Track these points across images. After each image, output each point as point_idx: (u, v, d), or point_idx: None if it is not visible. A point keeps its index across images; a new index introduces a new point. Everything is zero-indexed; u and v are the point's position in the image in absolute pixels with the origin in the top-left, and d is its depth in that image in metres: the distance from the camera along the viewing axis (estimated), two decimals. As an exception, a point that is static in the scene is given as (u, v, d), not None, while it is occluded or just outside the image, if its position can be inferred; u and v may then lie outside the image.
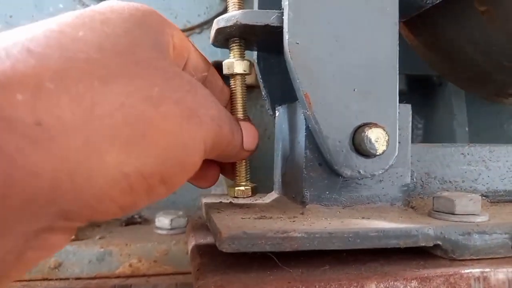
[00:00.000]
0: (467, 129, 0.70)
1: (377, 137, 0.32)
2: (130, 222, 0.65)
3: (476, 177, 0.43)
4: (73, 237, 0.58)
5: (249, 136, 0.35)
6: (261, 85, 0.45)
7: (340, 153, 0.33)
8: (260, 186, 0.41)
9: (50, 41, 0.22)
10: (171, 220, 0.61)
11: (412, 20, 0.47)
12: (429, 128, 0.78)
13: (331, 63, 0.33)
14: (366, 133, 0.32)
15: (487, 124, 0.80)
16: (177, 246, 0.57)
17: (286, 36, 0.32)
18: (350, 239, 0.29)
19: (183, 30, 0.62)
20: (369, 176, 0.34)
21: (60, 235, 0.23)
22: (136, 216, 0.69)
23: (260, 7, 0.42)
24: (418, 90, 0.75)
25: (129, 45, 0.25)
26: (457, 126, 0.70)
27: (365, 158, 0.33)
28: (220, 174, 0.39)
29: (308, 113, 0.33)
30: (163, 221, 0.61)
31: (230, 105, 0.38)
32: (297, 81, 0.33)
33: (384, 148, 0.32)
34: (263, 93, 0.45)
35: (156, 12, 0.30)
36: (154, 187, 0.25)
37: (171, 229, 0.61)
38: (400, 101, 0.79)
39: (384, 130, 0.33)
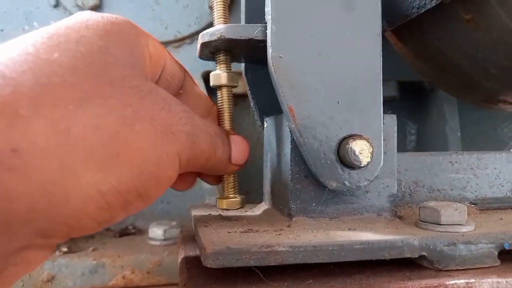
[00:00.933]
0: (459, 134, 0.71)
1: (361, 149, 0.32)
2: (123, 233, 0.65)
3: (464, 185, 0.43)
4: (65, 249, 0.57)
5: (238, 150, 0.35)
6: (249, 96, 0.45)
7: (325, 165, 0.33)
8: (254, 195, 0.41)
9: (25, 66, 0.22)
10: (164, 231, 0.61)
11: (400, 28, 0.48)
12: (422, 133, 0.78)
13: (315, 75, 0.33)
14: (350, 145, 0.32)
15: (480, 128, 0.81)
16: (170, 257, 0.57)
17: (269, 50, 0.33)
18: (334, 252, 0.29)
19: (174, 41, 0.62)
20: (355, 188, 0.34)
21: (39, 251, 0.23)
22: (130, 227, 0.69)
23: (247, 21, 0.42)
24: (410, 96, 0.75)
25: (104, 64, 0.25)
26: (449, 131, 0.71)
27: (350, 169, 0.33)
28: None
29: (292, 125, 0.33)
30: (156, 231, 0.61)
31: (217, 117, 0.38)
32: (281, 94, 0.33)
33: (369, 159, 0.33)
34: (251, 104, 0.46)
35: (131, 25, 0.30)
36: (131, 202, 0.25)
37: (164, 239, 0.61)
38: (393, 108, 0.79)
39: (368, 141, 0.33)
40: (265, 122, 0.44)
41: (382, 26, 0.48)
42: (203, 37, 0.36)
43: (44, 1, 0.58)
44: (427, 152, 0.42)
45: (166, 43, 0.62)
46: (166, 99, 0.28)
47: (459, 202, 0.43)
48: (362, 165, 0.33)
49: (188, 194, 0.70)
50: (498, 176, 0.44)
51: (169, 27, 0.61)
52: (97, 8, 0.58)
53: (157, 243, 0.61)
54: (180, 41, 0.62)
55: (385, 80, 0.71)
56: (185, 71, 0.36)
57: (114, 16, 0.30)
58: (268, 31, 0.33)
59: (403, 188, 0.41)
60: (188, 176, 0.36)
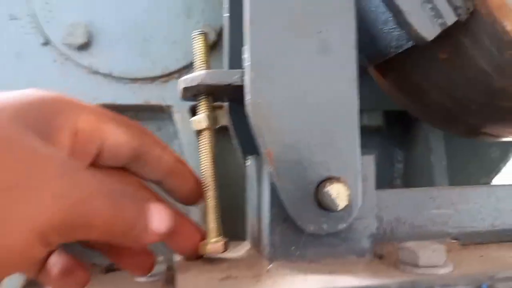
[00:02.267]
0: (444, 163, 0.71)
1: (338, 193, 0.33)
2: (110, 269, 0.65)
3: (446, 221, 0.43)
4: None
5: (157, 217, 0.31)
6: (233, 134, 0.46)
7: (303, 208, 0.34)
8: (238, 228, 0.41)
9: None
10: (152, 266, 0.61)
11: (381, 64, 0.49)
12: (409, 161, 0.79)
13: (292, 120, 0.34)
14: (327, 189, 0.33)
15: (467, 155, 0.81)
16: (156, 293, 0.57)
17: (247, 96, 0.33)
18: (311, 298, 0.30)
19: (162, 76, 0.63)
20: (333, 231, 0.34)
21: None
22: (117, 262, 0.68)
23: (230, 66, 0.43)
24: (396, 124, 0.76)
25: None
26: (435, 160, 0.71)
27: (328, 213, 0.34)
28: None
29: (270, 169, 0.34)
30: (143, 266, 0.61)
31: (186, 171, 0.38)
32: (259, 138, 0.33)
33: (346, 202, 0.33)
34: (234, 143, 0.46)
35: (53, 104, 0.30)
36: None
37: (150, 276, 0.60)
38: (379, 136, 0.79)
39: (345, 184, 0.33)
40: (247, 161, 0.44)
41: (363, 63, 0.49)
42: (184, 83, 0.36)
43: (34, 40, 0.59)
44: (408, 189, 0.43)
45: (153, 79, 0.63)
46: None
47: (441, 238, 0.43)
48: (339, 209, 0.33)
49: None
50: (480, 211, 0.44)
51: (157, 63, 0.62)
52: (86, 46, 0.59)
53: (143, 279, 0.60)
54: (167, 76, 0.63)
55: (370, 110, 0.73)
56: (141, 135, 0.34)
57: (37, 95, 0.30)
58: (246, 77, 0.34)
59: (384, 225, 0.42)
60: (144, 260, 0.35)
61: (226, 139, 0.52)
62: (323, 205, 0.33)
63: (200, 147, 0.38)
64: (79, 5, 0.60)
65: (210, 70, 0.36)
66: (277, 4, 0.34)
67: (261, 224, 0.37)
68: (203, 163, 0.38)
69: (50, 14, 0.59)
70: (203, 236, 0.37)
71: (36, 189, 0.25)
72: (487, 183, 0.87)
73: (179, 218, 0.36)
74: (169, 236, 0.33)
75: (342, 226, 0.34)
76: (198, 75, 0.35)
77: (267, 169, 0.35)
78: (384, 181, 0.82)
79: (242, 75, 0.35)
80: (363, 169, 0.36)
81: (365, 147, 0.83)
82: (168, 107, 0.64)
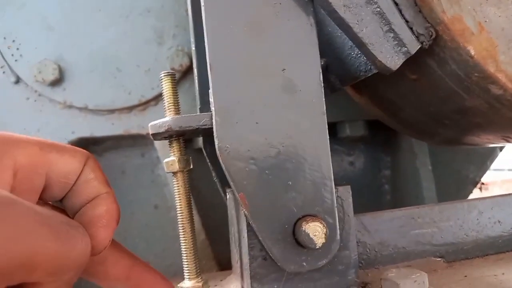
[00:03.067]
0: (430, 167, 0.72)
1: (314, 231, 0.33)
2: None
3: (429, 239, 0.43)
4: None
5: (99, 235, 0.31)
6: (211, 168, 0.45)
7: (282, 248, 0.33)
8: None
9: None
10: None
11: (354, 84, 0.49)
12: (396, 166, 0.79)
13: (263, 161, 0.33)
14: (303, 228, 0.33)
15: (454, 153, 0.81)
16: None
17: (216, 141, 0.33)
18: None
19: (139, 105, 0.62)
20: (313, 268, 0.34)
21: None
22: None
23: (201, 100, 0.43)
24: (380, 132, 0.76)
25: None
26: (420, 165, 0.71)
27: (307, 251, 0.34)
28: None
29: (245, 212, 0.33)
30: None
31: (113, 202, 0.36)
32: (231, 183, 0.33)
33: (323, 240, 0.33)
34: (213, 175, 0.46)
35: None
36: None
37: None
38: (364, 144, 0.79)
39: (321, 222, 0.33)
40: (227, 193, 0.44)
41: (336, 84, 0.49)
42: (153, 128, 0.36)
43: (5, 79, 0.59)
44: (388, 210, 0.43)
45: (131, 108, 0.62)
46: None
47: (425, 257, 0.43)
48: (318, 247, 0.33)
49: (168, 252, 0.69)
50: (462, 227, 0.44)
51: (133, 92, 0.61)
52: (58, 82, 0.59)
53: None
54: (144, 104, 0.63)
55: (352, 121, 0.72)
56: (85, 159, 0.33)
57: None
58: (214, 122, 0.33)
59: (368, 250, 0.41)
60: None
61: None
62: (302, 243, 0.33)
63: (175, 189, 0.38)
64: (47, 41, 0.59)
65: (177, 116, 0.35)
66: (239, 44, 0.33)
67: (243, 263, 0.37)
68: (179, 205, 0.38)
69: (18, 52, 0.59)
70: (168, 284, 0.36)
71: None
72: (475, 180, 0.88)
73: (142, 269, 0.35)
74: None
75: (322, 262, 0.34)
76: (165, 121, 0.35)
77: (243, 212, 0.34)
78: (372, 187, 0.82)
79: (211, 118, 0.34)
80: (339, 200, 0.36)
81: (351, 155, 0.83)
82: (148, 135, 0.63)
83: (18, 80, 0.59)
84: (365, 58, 0.40)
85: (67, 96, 0.60)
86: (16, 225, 0.24)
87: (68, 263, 0.27)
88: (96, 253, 0.31)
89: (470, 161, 0.85)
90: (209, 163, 0.45)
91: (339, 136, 0.72)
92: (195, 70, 0.47)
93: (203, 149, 0.45)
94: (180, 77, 0.63)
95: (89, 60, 0.60)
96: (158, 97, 0.63)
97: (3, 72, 0.59)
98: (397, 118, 0.52)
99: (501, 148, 0.88)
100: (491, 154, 0.87)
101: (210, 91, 0.34)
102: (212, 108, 0.33)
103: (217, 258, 0.69)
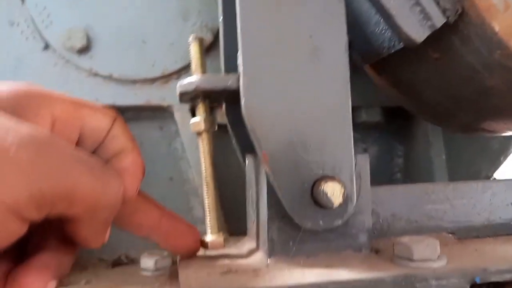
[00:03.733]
0: (444, 157, 0.72)
1: (333, 191, 0.34)
2: (116, 263, 0.66)
3: (441, 216, 0.44)
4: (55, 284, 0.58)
5: (130, 179, 0.33)
6: (231, 134, 0.47)
7: (300, 206, 0.35)
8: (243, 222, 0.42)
9: None
10: (156, 261, 0.62)
11: (375, 63, 0.50)
12: (409, 155, 0.79)
13: (286, 122, 0.35)
14: (322, 188, 0.34)
15: (467, 148, 0.82)
16: (161, 289, 0.58)
17: (242, 101, 0.34)
18: (308, 293, 0.31)
19: (161, 77, 0.64)
20: (329, 227, 0.35)
21: None
22: (122, 257, 0.69)
23: (226, 68, 0.44)
24: (395, 120, 0.77)
25: None
26: (434, 154, 0.72)
27: (324, 210, 0.35)
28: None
29: (267, 169, 0.35)
30: (147, 262, 0.62)
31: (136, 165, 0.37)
32: (255, 141, 0.34)
33: (340, 200, 0.34)
34: (233, 142, 0.47)
35: (30, 95, 0.30)
36: None
37: (156, 270, 0.61)
38: (379, 131, 0.80)
39: (339, 183, 0.34)
40: (246, 160, 0.45)
41: (358, 61, 0.50)
42: (180, 87, 0.37)
43: (35, 45, 0.60)
44: (403, 185, 0.44)
45: (153, 80, 0.64)
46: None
47: (437, 232, 0.44)
48: (335, 206, 0.34)
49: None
50: (475, 206, 0.45)
51: (156, 64, 0.63)
52: (85, 49, 0.60)
53: (149, 273, 0.61)
54: (167, 77, 0.64)
55: (368, 107, 0.73)
56: (114, 118, 0.35)
57: (9, 89, 0.30)
58: (241, 82, 0.35)
59: (381, 221, 0.43)
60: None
61: (228, 138, 0.54)
62: (319, 203, 0.34)
63: (200, 148, 0.39)
64: (76, 10, 0.61)
65: (205, 75, 0.37)
66: (268, 10, 0.34)
67: (260, 221, 0.38)
68: (203, 164, 0.39)
69: (48, 19, 0.60)
70: (197, 235, 0.38)
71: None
72: (488, 176, 0.88)
73: (170, 218, 0.37)
74: (162, 237, 0.34)
75: (338, 222, 0.35)
76: (193, 80, 0.36)
77: (264, 169, 0.36)
78: (384, 175, 0.83)
79: (237, 80, 0.36)
80: (357, 167, 0.37)
81: (365, 142, 0.84)
82: (169, 106, 0.65)
83: (47, 46, 0.61)
84: (389, 34, 0.42)
85: (93, 64, 0.62)
86: (58, 159, 0.27)
87: (103, 201, 0.29)
88: (125, 199, 0.33)
89: (484, 156, 0.85)
90: (230, 130, 0.47)
91: (355, 121, 0.72)
92: (221, 41, 0.48)
93: (225, 116, 0.46)
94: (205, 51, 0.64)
95: (116, 31, 0.62)
96: (181, 71, 0.64)
97: (33, 37, 0.61)
98: (416, 101, 0.53)
99: (515, 145, 0.88)
100: (505, 151, 0.87)
101: (239, 53, 0.35)
102: (240, 69, 0.35)
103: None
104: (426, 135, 0.74)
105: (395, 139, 0.82)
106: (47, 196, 0.25)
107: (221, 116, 0.60)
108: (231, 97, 0.38)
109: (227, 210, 0.73)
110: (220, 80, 0.36)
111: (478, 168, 0.87)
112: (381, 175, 0.86)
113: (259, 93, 0.34)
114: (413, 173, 0.79)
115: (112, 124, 0.35)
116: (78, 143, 0.34)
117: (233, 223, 0.68)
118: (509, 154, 0.89)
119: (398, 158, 0.81)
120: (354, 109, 0.74)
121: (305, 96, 0.35)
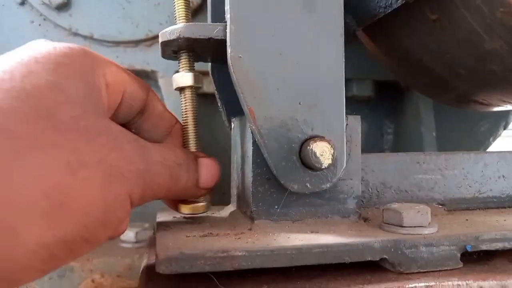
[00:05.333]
0: (434, 134, 0.71)
1: (322, 151, 0.32)
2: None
3: (432, 186, 0.43)
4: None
5: (207, 174, 0.34)
6: (217, 97, 0.44)
7: (287, 167, 0.33)
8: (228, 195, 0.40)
9: None
10: (136, 233, 0.60)
11: (371, 28, 0.48)
12: (399, 132, 0.78)
13: (275, 76, 0.32)
14: (311, 147, 0.32)
15: (457, 127, 0.81)
16: (141, 260, 0.56)
17: (228, 50, 0.32)
18: (293, 256, 0.29)
19: (145, 39, 0.61)
20: (317, 190, 0.33)
21: None
22: (103, 229, 0.67)
23: (212, 20, 0.42)
24: (387, 95, 0.75)
25: (51, 105, 0.24)
26: (424, 130, 0.71)
27: (311, 171, 0.33)
28: None
29: (253, 127, 0.32)
30: (128, 234, 0.60)
31: (181, 132, 0.37)
32: (241, 95, 0.32)
33: (330, 161, 0.32)
34: (219, 105, 0.45)
35: (86, 53, 0.29)
36: (77, 249, 0.25)
37: (136, 242, 0.60)
38: (370, 107, 0.78)
39: (329, 143, 0.32)
40: (232, 123, 0.43)
41: (352, 26, 0.48)
42: (163, 36, 0.35)
43: (10, -1, 0.57)
44: (394, 153, 0.42)
45: (137, 42, 0.61)
46: (117, 138, 0.28)
47: (427, 203, 0.43)
48: (323, 167, 0.32)
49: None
50: (466, 177, 0.44)
51: (140, 26, 0.60)
52: (64, 6, 0.57)
53: (129, 245, 0.60)
54: (151, 40, 0.61)
55: (360, 79, 0.71)
56: (148, 89, 0.35)
57: (68, 45, 0.28)
58: (228, 31, 0.32)
59: (370, 189, 0.41)
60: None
61: (214, 107, 0.51)
62: (307, 163, 0.33)
63: (182, 105, 0.37)
64: (57, -38, 0.57)
65: (189, 23, 0.34)
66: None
67: (245, 184, 0.36)
68: (185, 121, 0.37)
69: (27, -29, 0.57)
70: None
71: (119, 167, 0.27)
72: (476, 156, 0.88)
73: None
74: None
75: (326, 185, 0.34)
76: (177, 27, 0.34)
77: (250, 127, 0.33)
78: (374, 151, 0.82)
79: (224, 29, 0.33)
80: (348, 129, 0.35)
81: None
82: (153, 72, 0.62)
83: (23, 2, 0.58)
84: (386, -9, 0.39)
85: (73, 23, 0.58)
86: (153, 165, 0.30)
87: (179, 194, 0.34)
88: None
89: (473, 136, 0.85)
90: (215, 91, 0.44)
91: (346, 95, 0.71)
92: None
93: (210, 75, 0.44)
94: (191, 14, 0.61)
95: (99, -13, 0.59)
96: (166, 34, 0.61)
97: (9, -9, 0.57)
98: (410, 68, 0.51)
99: (505, 126, 0.87)
100: (494, 132, 0.86)
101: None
102: (227, 16, 0.32)
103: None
104: (417, 111, 0.72)
105: (385, 116, 0.81)
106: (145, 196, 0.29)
107: (207, 85, 0.57)
108: (216, 51, 0.35)
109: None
110: (206, 29, 0.33)
111: (467, 148, 0.87)
112: (370, 151, 0.85)
113: (247, 44, 0.32)
114: (403, 149, 0.78)
115: (148, 96, 0.34)
116: (118, 107, 0.32)
117: (217, 196, 0.66)
118: (498, 135, 0.89)
119: (387, 135, 0.80)
120: (345, 82, 0.73)
121: (296, 50, 0.33)
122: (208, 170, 0.34)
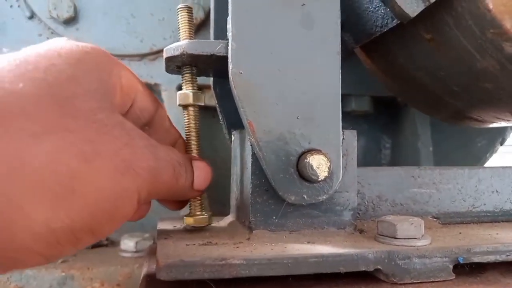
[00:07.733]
0: (431, 149, 0.72)
1: (318, 164, 0.33)
2: (96, 244, 0.65)
3: (427, 200, 0.44)
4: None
5: (200, 176, 0.35)
6: (218, 110, 0.46)
7: (284, 179, 0.34)
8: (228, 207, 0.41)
9: None
10: (136, 243, 0.61)
11: (368, 45, 0.49)
12: (396, 147, 0.79)
13: (274, 91, 0.34)
14: (308, 160, 0.33)
15: (454, 143, 0.82)
16: (140, 269, 0.57)
17: (230, 66, 0.33)
18: (289, 265, 0.30)
19: (149, 54, 0.62)
20: (314, 201, 0.34)
21: None
22: (102, 239, 0.68)
23: (215, 37, 0.43)
24: (385, 110, 0.76)
25: (71, 95, 0.25)
26: (421, 146, 0.72)
27: (308, 183, 0.34)
28: None
29: (252, 140, 0.34)
30: (128, 243, 0.61)
31: (184, 144, 0.38)
32: (241, 109, 0.33)
33: (326, 174, 0.33)
34: (220, 118, 0.46)
35: (105, 54, 0.30)
36: (82, 238, 0.25)
37: (136, 251, 0.60)
38: (368, 122, 0.80)
39: (325, 156, 0.33)
40: (232, 136, 0.44)
41: (350, 43, 0.49)
42: (167, 52, 0.36)
43: (19, 13, 0.59)
44: (390, 167, 0.43)
45: (141, 56, 0.62)
46: (130, 134, 0.28)
47: (422, 216, 0.44)
48: (320, 180, 0.33)
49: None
50: (460, 191, 0.45)
51: (145, 40, 0.62)
52: (72, 20, 0.59)
53: (129, 255, 0.61)
54: (155, 54, 0.63)
55: (359, 95, 0.73)
56: (158, 104, 0.36)
57: (89, 45, 0.30)
58: (229, 48, 0.33)
59: (366, 202, 0.42)
60: (143, 205, 0.35)
61: (215, 120, 0.53)
62: (304, 176, 0.34)
63: (185, 121, 0.38)
64: (65, -22, 0.59)
65: (193, 40, 0.36)
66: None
67: (243, 195, 0.38)
68: (188, 137, 0.38)
69: (36, -13, 0.59)
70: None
71: (131, 162, 0.27)
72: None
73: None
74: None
75: (322, 197, 0.35)
76: (181, 44, 0.35)
77: (250, 140, 0.35)
78: (371, 165, 0.83)
79: (226, 46, 0.35)
80: (344, 143, 0.37)
81: (353, 132, 0.83)
82: (156, 85, 0.64)
83: (32, 15, 0.59)
84: (382, 11, 0.41)
85: (80, 36, 0.60)
86: (161, 163, 0.30)
87: (177, 193, 0.34)
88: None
89: (470, 152, 0.86)
90: (216, 104, 0.46)
91: (344, 110, 0.72)
92: (212, 12, 0.47)
93: (212, 89, 0.45)
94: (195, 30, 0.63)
95: (104, 3, 0.61)
96: (170, 49, 0.63)
97: (18, 6, 0.59)
98: (406, 85, 0.53)
99: (501, 142, 0.89)
100: (491, 148, 0.87)
101: (229, 18, 0.34)
102: (229, 34, 0.34)
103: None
104: (414, 127, 0.73)
105: (383, 131, 0.82)
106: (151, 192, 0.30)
107: (209, 98, 0.59)
108: (218, 66, 0.37)
109: (213, 196, 0.72)
110: (209, 45, 0.35)
111: (465, 165, 0.88)
112: (367, 166, 0.86)
113: (248, 60, 0.33)
114: (400, 164, 0.79)
115: (157, 111, 0.36)
116: (126, 113, 0.33)
117: (218, 208, 0.67)
118: (495, 151, 0.90)
119: (385, 150, 0.81)
120: (344, 97, 0.74)
121: (294, 66, 0.34)
122: (201, 172, 0.35)
